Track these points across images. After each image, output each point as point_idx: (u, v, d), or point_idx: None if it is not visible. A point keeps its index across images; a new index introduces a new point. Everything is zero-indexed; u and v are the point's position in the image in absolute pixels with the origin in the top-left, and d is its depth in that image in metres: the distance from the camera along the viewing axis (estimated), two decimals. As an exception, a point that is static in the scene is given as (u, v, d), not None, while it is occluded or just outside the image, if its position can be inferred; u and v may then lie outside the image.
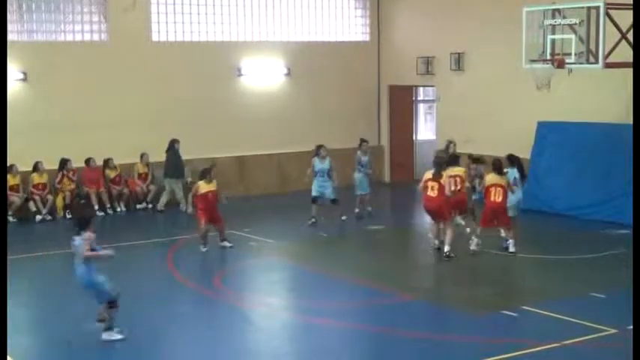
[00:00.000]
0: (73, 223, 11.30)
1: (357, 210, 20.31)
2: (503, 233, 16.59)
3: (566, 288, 14.58)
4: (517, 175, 16.75)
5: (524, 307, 13.17)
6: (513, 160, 16.93)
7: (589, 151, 20.10)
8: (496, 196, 16.01)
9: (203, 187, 17.22)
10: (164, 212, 21.91)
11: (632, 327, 11.26)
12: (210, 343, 12.08)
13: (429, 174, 16.43)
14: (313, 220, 19.45)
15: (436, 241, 16.79)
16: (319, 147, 20.11)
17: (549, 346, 11.52)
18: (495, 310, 13.25)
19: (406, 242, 18.38)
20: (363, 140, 20.83)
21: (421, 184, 16.67)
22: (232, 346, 12.04)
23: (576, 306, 13.19)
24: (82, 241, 11.63)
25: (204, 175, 17.35)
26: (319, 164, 19.89)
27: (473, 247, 16.43)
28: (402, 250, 17.65)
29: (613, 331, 11.90)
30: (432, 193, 16.21)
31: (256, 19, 24.63)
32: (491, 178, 16.16)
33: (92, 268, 11.71)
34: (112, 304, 11.83)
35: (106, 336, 11.81)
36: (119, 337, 11.85)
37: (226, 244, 17.47)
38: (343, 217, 19.79)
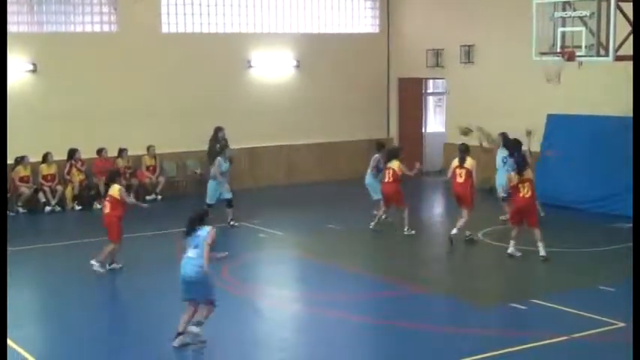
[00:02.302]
0: (190, 220, 11.39)
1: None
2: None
3: (575, 281, 14.58)
4: (506, 155, 18.02)
5: (533, 300, 13.16)
6: (506, 143, 18.04)
7: (598, 144, 20.05)
8: (525, 192, 15.68)
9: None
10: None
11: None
12: (218, 335, 12.09)
13: (455, 162, 17.16)
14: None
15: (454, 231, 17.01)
16: None
17: (558, 339, 11.53)
18: (504, 303, 13.27)
19: (416, 235, 18.36)
20: (382, 144, 19.70)
21: (449, 173, 17.42)
22: (241, 338, 12.07)
23: (585, 299, 13.19)
24: (207, 234, 11.40)
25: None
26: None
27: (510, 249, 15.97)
28: (412, 243, 17.63)
29: (622, 324, 11.89)
30: (460, 179, 17.00)
31: (266, 10, 24.61)
32: (513, 176, 15.84)
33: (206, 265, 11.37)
34: (212, 303, 11.54)
35: (194, 329, 11.41)
36: (204, 338, 11.49)
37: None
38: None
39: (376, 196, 18.86)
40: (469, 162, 17.03)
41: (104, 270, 15.17)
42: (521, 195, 15.67)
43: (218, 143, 22.16)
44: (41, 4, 21.62)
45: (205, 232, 11.38)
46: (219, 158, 18.88)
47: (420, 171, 18.66)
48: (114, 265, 15.39)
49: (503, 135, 18.83)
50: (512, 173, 15.91)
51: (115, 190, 15.15)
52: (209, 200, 18.66)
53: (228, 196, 18.82)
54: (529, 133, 18.75)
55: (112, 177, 15.58)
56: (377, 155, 19.04)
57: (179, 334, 11.39)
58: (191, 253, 11.39)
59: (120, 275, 15.27)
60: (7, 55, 18.88)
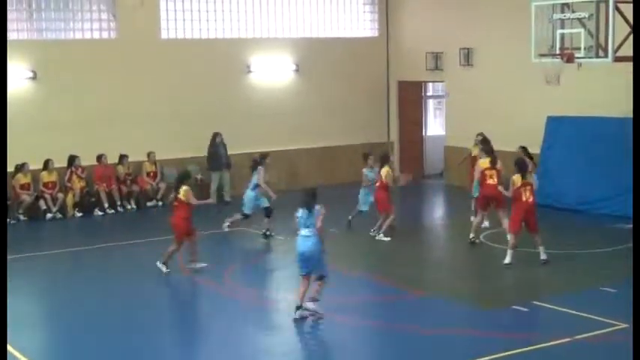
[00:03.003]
0: (305, 201, 12.67)
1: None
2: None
3: (577, 282, 14.58)
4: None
5: (534, 302, 13.17)
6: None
7: (599, 145, 20.06)
8: (527, 196, 15.61)
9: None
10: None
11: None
12: (220, 339, 12.10)
13: (485, 163, 16.87)
14: None
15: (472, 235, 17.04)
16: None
17: (561, 340, 11.53)
18: (506, 305, 13.26)
19: (417, 239, 18.36)
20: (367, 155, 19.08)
21: (477, 175, 17.22)
22: (244, 342, 12.07)
23: (587, 301, 13.19)
24: (319, 211, 12.54)
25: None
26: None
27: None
28: (413, 246, 17.63)
29: (624, 325, 11.88)
30: (492, 180, 16.67)
31: (264, 15, 24.63)
32: (517, 178, 15.73)
33: (320, 241, 12.57)
34: (323, 278, 12.68)
35: (311, 305, 12.57)
36: (321, 312, 12.59)
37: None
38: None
39: (363, 207, 18.79)
40: (500, 164, 16.86)
41: (166, 270, 15.44)
42: (524, 199, 15.62)
43: (215, 149, 22.30)
44: (40, 12, 21.64)
45: (317, 211, 12.51)
46: (260, 167, 18.33)
47: (407, 183, 18.56)
48: (199, 265, 15.59)
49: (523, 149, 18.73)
50: (516, 175, 15.83)
51: (181, 191, 15.41)
52: (247, 210, 18.30)
53: (266, 204, 18.33)
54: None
55: (181, 179, 15.75)
56: (364, 170, 18.72)
57: (298, 307, 12.56)
58: (304, 232, 12.57)
59: (122, 282, 15.27)
60: (7, 62, 18.89)
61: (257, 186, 18.25)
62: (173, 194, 15.63)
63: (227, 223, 18.76)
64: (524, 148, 18.87)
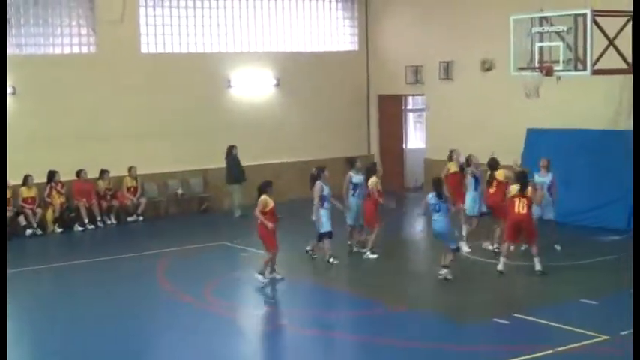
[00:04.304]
0: (437, 192, 15.46)
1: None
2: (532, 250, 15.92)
3: (558, 295, 14.62)
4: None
5: (516, 315, 13.18)
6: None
7: (578, 158, 20.13)
8: (520, 208, 15.64)
9: (268, 201, 15.75)
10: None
11: (628, 332, 11.32)
12: (200, 355, 12.05)
13: (514, 190, 15.82)
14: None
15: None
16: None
17: (542, 353, 11.53)
18: (487, 318, 13.26)
19: (398, 253, 18.36)
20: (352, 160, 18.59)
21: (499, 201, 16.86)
22: (226, 357, 12.03)
23: (568, 313, 13.23)
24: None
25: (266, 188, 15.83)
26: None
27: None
28: (394, 261, 17.61)
29: (605, 337, 11.92)
30: (522, 209, 15.64)
31: (245, 30, 24.65)
32: (513, 188, 15.82)
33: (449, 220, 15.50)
34: (455, 250, 15.64)
35: (444, 271, 15.32)
36: (450, 277, 15.30)
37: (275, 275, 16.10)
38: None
39: (349, 220, 17.84)
40: (530, 191, 15.81)
41: (266, 280, 15.60)
42: (516, 210, 15.66)
43: (232, 161, 22.59)
44: (20, 27, 21.56)
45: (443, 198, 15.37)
46: (318, 182, 17.17)
47: (389, 207, 18.18)
48: (274, 275, 15.80)
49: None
50: (514, 186, 15.87)
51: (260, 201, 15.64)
52: (324, 229, 16.92)
53: (326, 229, 17.05)
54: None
55: (263, 188, 15.83)
56: (349, 173, 18.00)
57: (444, 266, 15.36)
58: (436, 216, 15.40)
59: (102, 297, 15.20)
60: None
61: (325, 199, 17.10)
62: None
63: (315, 254, 17.39)
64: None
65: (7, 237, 15.40)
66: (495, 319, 13.03)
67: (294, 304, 14.88)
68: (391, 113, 26.73)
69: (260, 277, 15.53)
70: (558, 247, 17.26)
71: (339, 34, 26.39)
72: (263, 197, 15.55)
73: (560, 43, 16.69)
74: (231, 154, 22.78)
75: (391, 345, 12.17)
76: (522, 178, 15.93)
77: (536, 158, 19.22)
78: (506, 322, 12.92)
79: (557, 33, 16.76)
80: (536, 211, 16.71)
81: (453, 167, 18.91)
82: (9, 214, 20.63)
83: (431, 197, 15.42)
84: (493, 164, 17.45)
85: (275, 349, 12.59)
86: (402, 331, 12.92)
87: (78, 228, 21.35)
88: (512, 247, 16.11)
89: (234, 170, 22.76)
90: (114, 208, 22.09)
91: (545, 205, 17.27)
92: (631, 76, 18.60)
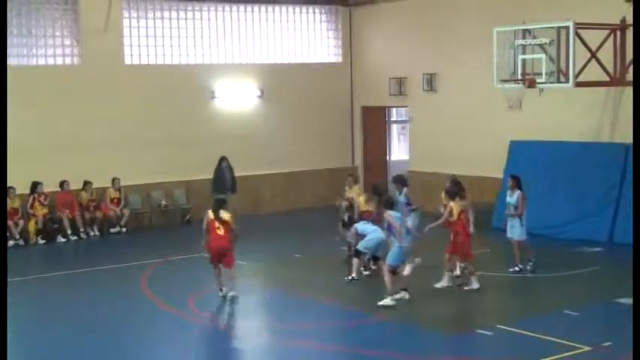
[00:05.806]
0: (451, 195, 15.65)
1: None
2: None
3: (541, 306, 14.65)
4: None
5: (499, 326, 13.20)
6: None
7: (561, 170, 20.24)
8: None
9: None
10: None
11: (610, 343, 11.38)
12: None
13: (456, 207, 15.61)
14: None
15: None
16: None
17: (524, 364, 11.57)
18: (471, 330, 13.29)
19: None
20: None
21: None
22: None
23: (550, 324, 13.25)
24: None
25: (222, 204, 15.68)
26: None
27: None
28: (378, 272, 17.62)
29: (587, 348, 11.95)
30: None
31: (229, 41, 24.67)
32: (455, 204, 15.66)
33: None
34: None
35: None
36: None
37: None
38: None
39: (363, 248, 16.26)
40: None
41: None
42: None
43: (220, 173, 22.70)
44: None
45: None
46: (406, 188, 17.17)
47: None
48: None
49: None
50: (453, 202, 15.61)
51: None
52: (394, 262, 14.84)
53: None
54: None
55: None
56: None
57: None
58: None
59: (85, 309, 15.13)
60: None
61: (408, 205, 16.81)
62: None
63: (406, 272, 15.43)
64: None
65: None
66: (479, 331, 13.05)
67: (279, 317, 14.84)
68: (375, 125, 26.79)
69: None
70: (531, 263, 16.84)
71: (322, 46, 26.45)
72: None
73: (543, 56, 16.77)
74: (220, 165, 22.84)
75: (374, 357, 12.16)
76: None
77: (519, 170, 19.36)
78: (490, 333, 12.94)
79: (540, 45, 16.83)
80: (515, 231, 16.67)
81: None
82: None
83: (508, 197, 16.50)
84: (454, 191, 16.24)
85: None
86: (386, 342, 12.92)
87: (61, 239, 21.27)
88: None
89: (226, 181, 22.81)
90: (97, 219, 22.02)
91: (511, 226, 16.79)
92: (613, 88, 18.82)
